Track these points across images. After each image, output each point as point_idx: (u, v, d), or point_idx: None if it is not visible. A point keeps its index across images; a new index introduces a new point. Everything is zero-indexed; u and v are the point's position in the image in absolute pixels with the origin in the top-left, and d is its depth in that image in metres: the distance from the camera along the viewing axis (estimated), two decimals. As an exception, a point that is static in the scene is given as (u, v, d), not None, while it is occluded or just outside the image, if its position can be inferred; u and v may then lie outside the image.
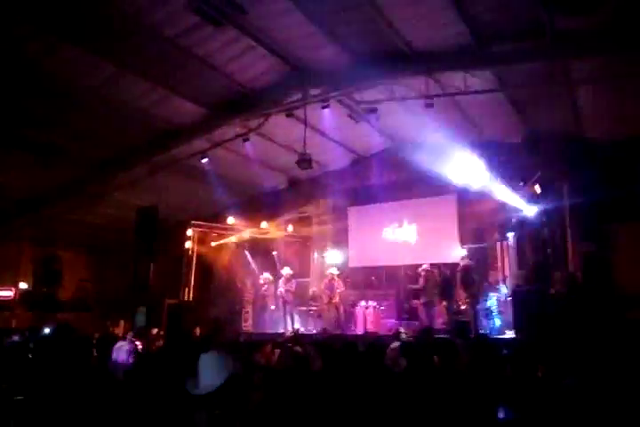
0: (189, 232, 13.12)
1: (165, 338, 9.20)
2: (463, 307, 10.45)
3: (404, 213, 13.23)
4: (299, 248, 14.61)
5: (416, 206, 12.99)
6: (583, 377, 3.23)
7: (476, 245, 11.70)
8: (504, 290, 10.41)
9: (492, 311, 10.04)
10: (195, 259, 13.10)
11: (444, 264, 11.68)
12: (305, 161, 10.24)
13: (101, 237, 16.12)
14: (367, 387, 3.46)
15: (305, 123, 10.35)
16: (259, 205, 14.83)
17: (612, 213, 10.10)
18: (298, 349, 5.46)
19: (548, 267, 9.26)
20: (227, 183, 12.99)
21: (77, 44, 8.41)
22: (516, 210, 10.62)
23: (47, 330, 9.04)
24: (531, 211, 10.26)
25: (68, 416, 2.61)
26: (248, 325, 13.12)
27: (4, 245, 14.68)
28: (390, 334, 9.08)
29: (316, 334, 11.07)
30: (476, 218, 11.91)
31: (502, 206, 11.04)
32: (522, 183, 10.26)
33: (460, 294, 10.39)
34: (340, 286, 12.22)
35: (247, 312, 13.33)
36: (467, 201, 12.13)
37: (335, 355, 4.80)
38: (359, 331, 11.39)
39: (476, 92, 9.22)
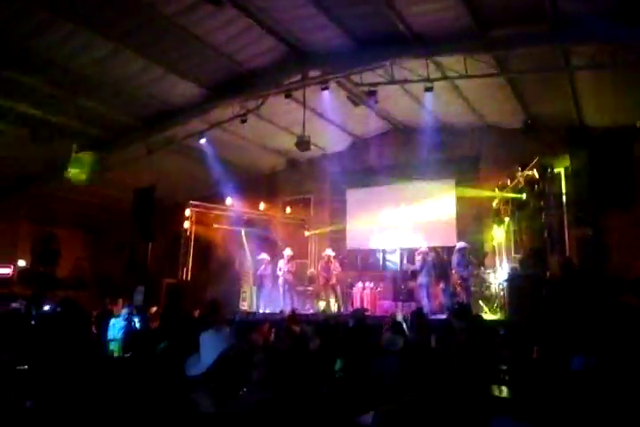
0: (187, 212, 13.13)
1: (162, 317, 9.29)
2: (459, 289, 10.57)
3: (403, 196, 13.27)
4: (296, 230, 14.67)
5: (414, 190, 13.03)
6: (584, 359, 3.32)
7: (473, 229, 11.80)
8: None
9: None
10: (192, 239, 13.14)
11: (442, 247, 11.78)
12: (303, 143, 10.23)
13: (99, 216, 16.14)
14: (364, 364, 3.54)
15: (304, 104, 10.31)
16: (257, 186, 14.85)
17: (609, 199, 10.16)
18: (296, 328, 5.56)
19: (544, 251, 9.36)
20: (225, 164, 12.97)
21: (73, 21, 8.29)
22: (513, 195, 10.68)
23: (48, 307, 9.12)
24: (528, 196, 10.31)
25: (68, 388, 2.66)
26: (245, 304, 13.24)
27: (2, 223, 14.69)
28: (386, 315, 9.22)
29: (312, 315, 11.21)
30: (473, 202, 11.97)
31: (499, 191, 11.11)
32: (520, 168, 10.29)
33: (456, 276, 10.51)
34: (336, 268, 12.32)
35: (245, 292, 13.45)
36: (465, 185, 12.20)
37: (332, 334, 4.89)
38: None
39: (476, 76, 9.20)
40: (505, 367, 3.48)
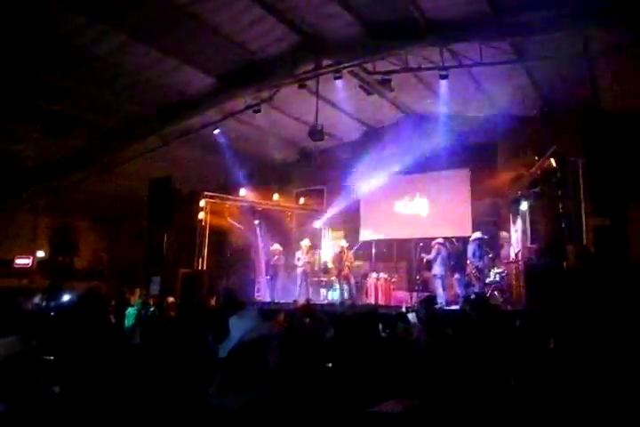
0: (202, 203, 13.20)
1: (179, 307, 9.40)
2: (474, 280, 10.52)
3: (417, 187, 13.20)
4: (310, 220, 14.68)
5: (429, 179, 12.94)
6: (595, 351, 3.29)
7: (489, 219, 11.70)
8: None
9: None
10: (208, 229, 13.22)
11: (457, 237, 11.71)
12: (317, 133, 10.20)
13: (115, 207, 16.30)
14: (380, 355, 3.54)
15: (317, 94, 10.26)
16: (270, 176, 14.86)
17: (628, 188, 10.01)
18: (307, 320, 5.58)
19: (561, 241, 9.25)
20: (239, 155, 12.99)
21: (87, 13, 8.31)
22: (529, 184, 10.55)
23: (67, 297, 9.27)
24: (545, 185, 10.17)
25: (91, 375, 2.70)
26: (260, 295, 13.33)
27: (22, 215, 14.94)
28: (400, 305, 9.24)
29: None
30: (489, 192, 11.86)
31: (516, 180, 10.98)
32: (537, 157, 10.14)
33: (471, 266, 10.44)
34: (349, 259, 12.31)
35: (259, 282, 13.54)
36: (480, 175, 12.06)
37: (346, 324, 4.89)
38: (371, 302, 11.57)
39: (492, 63, 9.05)
40: (522, 358, 3.47)
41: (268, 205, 14.30)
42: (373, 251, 13.67)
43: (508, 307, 9.45)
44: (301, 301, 10.11)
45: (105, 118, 11.80)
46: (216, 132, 11.79)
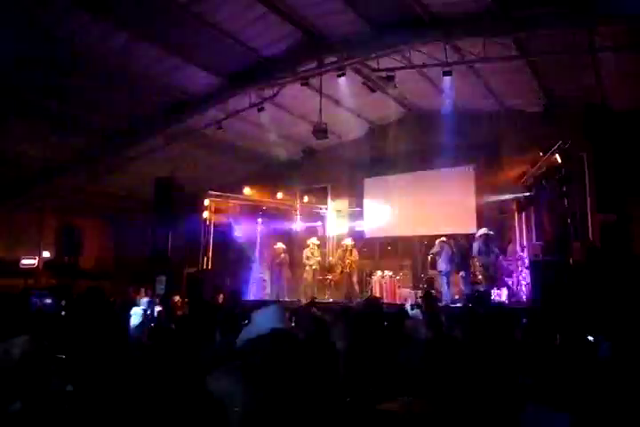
0: (206, 202, 13.22)
1: (189, 304, 9.44)
2: (480, 277, 10.50)
3: (421, 184, 13.16)
4: (314, 218, 14.68)
5: (433, 177, 12.90)
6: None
7: (494, 216, 11.66)
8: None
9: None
10: (212, 228, 13.24)
11: (462, 235, 11.69)
12: (321, 131, 10.20)
13: (120, 206, 16.36)
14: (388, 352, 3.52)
15: (320, 92, 10.24)
16: (274, 175, 14.84)
17: (634, 184, 9.95)
18: (316, 312, 5.58)
19: (567, 237, 9.21)
20: (242, 153, 13.01)
21: (91, 12, 8.32)
22: (534, 180, 10.52)
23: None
24: (550, 181, 10.14)
25: (101, 374, 2.72)
26: (266, 293, 13.35)
27: (27, 215, 15.01)
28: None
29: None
30: (493, 189, 11.82)
31: (520, 177, 10.95)
32: (541, 153, 10.10)
33: (476, 264, 10.42)
34: (354, 257, 12.29)
35: (265, 281, 13.56)
36: (484, 171, 12.03)
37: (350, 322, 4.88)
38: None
39: (496, 59, 9.01)
40: (528, 355, 3.46)
41: (272, 204, 14.31)
42: (378, 249, 13.66)
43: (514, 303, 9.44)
44: (305, 300, 10.12)
45: (108, 118, 11.83)
46: (219, 131, 11.79)
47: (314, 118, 10.48)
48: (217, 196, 13.40)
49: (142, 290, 11.28)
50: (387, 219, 13.66)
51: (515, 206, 11.39)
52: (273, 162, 14.68)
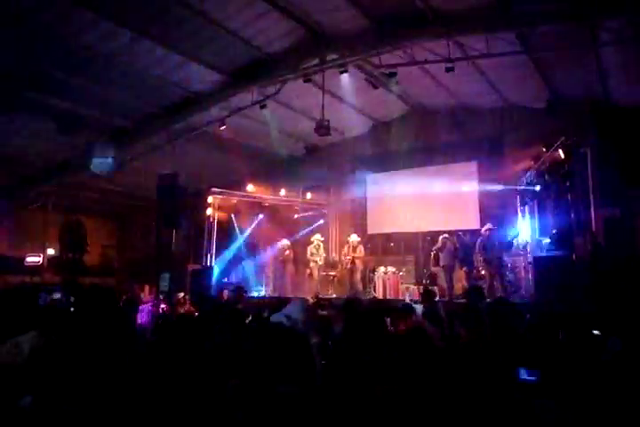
0: (210, 199, 13.26)
1: (193, 302, 9.49)
2: (483, 272, 10.52)
3: (424, 180, 13.13)
4: (317, 215, 14.70)
5: (436, 173, 12.88)
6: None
7: (497, 212, 11.65)
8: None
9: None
10: (216, 225, 13.28)
11: (465, 230, 11.70)
12: (323, 127, 10.19)
13: (123, 204, 16.42)
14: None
15: (322, 88, 10.24)
16: (277, 172, 14.86)
17: (637, 179, 9.93)
18: (322, 312, 5.61)
19: (570, 233, 9.22)
20: (245, 151, 13.01)
21: (94, 10, 8.34)
22: (537, 176, 10.51)
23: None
24: (553, 177, 10.13)
25: (110, 369, 2.75)
26: (269, 289, 13.40)
27: (32, 212, 15.08)
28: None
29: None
30: (496, 184, 11.79)
31: (524, 172, 10.94)
32: (545, 149, 10.09)
33: (479, 259, 10.43)
34: (359, 253, 12.30)
35: (268, 277, 13.60)
36: (488, 167, 12.01)
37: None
38: (379, 296, 11.62)
39: (499, 54, 8.98)
40: (531, 350, 3.47)
41: (275, 201, 14.34)
42: (381, 245, 13.68)
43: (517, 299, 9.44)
44: (310, 295, 10.15)
45: (112, 116, 11.86)
46: (222, 128, 11.80)
47: (316, 115, 10.48)
48: (220, 193, 13.44)
49: (146, 287, 11.35)
50: (390, 215, 13.66)
51: (518, 202, 11.37)
52: (276, 159, 14.69)
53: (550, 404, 2.53)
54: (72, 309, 5.81)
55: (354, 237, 12.47)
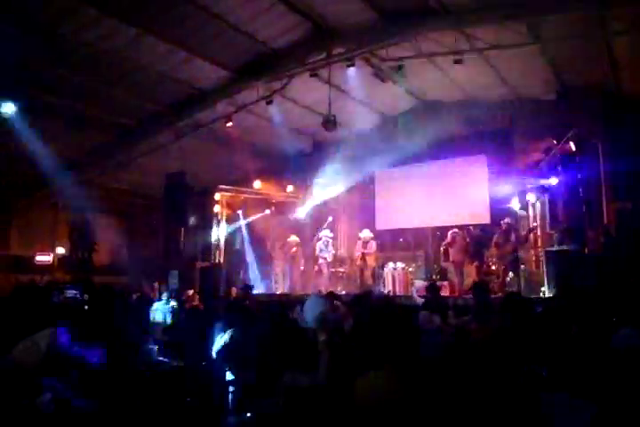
0: (217, 196, 13.25)
1: (202, 299, 9.51)
2: (494, 267, 10.41)
3: (433, 174, 13.03)
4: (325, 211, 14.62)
5: (445, 167, 12.76)
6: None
7: (508, 206, 11.51)
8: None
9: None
10: (224, 223, 13.27)
11: (475, 225, 11.57)
12: (330, 122, 10.11)
13: (132, 202, 16.45)
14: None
15: (329, 83, 10.16)
16: (284, 168, 14.78)
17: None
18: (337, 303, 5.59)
19: (582, 226, 9.09)
20: (252, 147, 12.97)
21: (97, 7, 8.31)
22: (548, 169, 10.36)
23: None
24: (565, 169, 9.99)
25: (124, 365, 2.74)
26: (278, 286, 13.36)
27: (42, 212, 15.16)
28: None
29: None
30: (507, 178, 11.65)
31: (534, 165, 10.79)
32: (555, 141, 9.95)
33: (492, 253, 10.30)
34: (370, 249, 12.20)
35: (276, 274, 13.57)
36: (497, 160, 11.86)
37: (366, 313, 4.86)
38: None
39: (508, 46, 8.86)
40: (543, 344, 3.41)
41: (283, 197, 14.29)
42: (390, 240, 13.59)
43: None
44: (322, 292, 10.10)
45: (118, 115, 11.87)
46: (229, 125, 11.77)
47: (323, 110, 10.40)
48: (228, 190, 13.42)
49: (156, 285, 11.38)
50: (398, 210, 13.55)
51: (528, 195, 11.23)
52: (283, 155, 14.64)
53: (564, 396, 2.47)
54: (86, 306, 5.83)
55: (366, 233, 12.29)
